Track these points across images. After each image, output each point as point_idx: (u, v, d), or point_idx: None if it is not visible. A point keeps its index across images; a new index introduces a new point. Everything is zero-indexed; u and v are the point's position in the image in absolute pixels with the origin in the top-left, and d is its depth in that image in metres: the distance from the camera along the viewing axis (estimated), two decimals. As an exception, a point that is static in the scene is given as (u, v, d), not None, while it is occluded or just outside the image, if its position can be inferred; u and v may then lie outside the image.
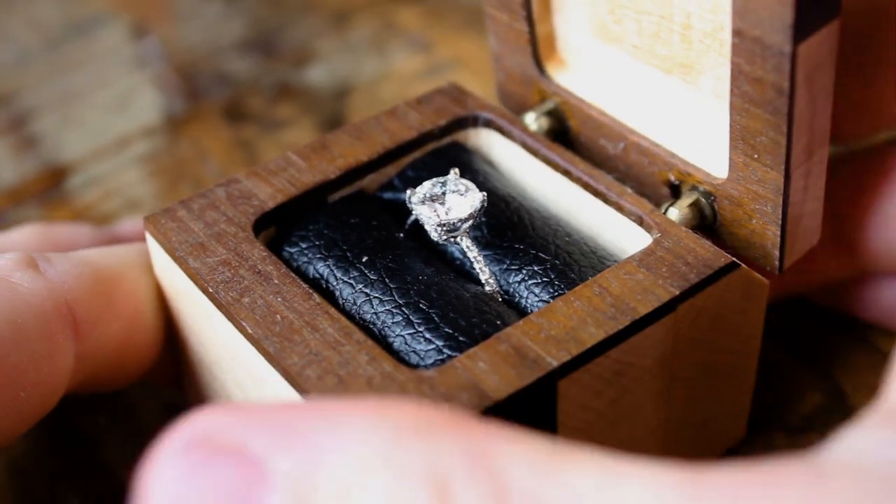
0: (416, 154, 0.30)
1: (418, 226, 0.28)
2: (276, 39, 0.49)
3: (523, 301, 0.27)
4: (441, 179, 0.27)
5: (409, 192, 0.27)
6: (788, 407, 0.32)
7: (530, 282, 0.27)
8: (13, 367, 0.25)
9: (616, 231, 0.28)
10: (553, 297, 0.26)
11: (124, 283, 0.28)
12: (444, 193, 0.27)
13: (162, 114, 0.46)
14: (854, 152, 0.30)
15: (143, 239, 0.29)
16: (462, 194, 0.27)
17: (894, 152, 0.30)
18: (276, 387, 0.25)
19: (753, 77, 0.24)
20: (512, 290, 0.27)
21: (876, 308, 0.32)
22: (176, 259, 0.27)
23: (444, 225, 0.27)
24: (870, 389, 0.32)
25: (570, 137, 0.31)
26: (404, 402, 0.18)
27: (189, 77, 0.47)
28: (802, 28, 0.22)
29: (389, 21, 0.49)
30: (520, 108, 0.32)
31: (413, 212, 0.27)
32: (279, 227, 0.29)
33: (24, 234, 0.32)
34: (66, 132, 0.45)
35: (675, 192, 0.29)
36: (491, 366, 0.23)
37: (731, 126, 0.25)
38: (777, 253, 0.27)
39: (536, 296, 0.27)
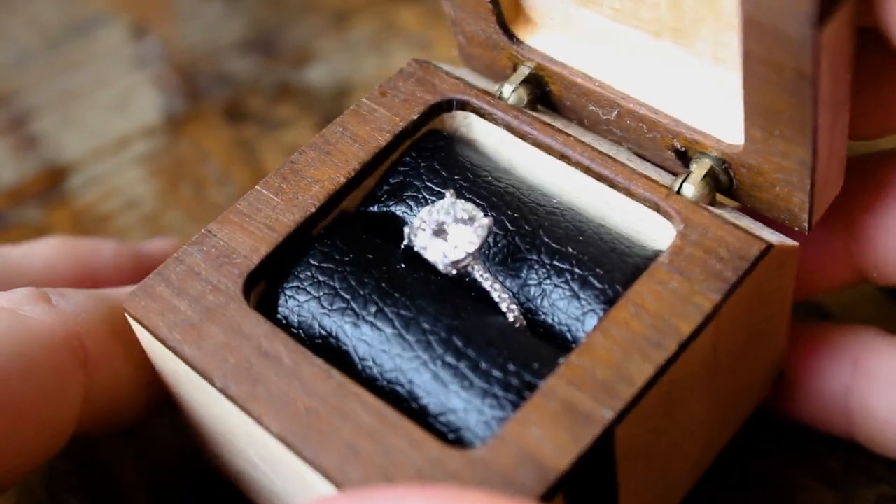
0: (393, 156, 0.28)
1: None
2: (276, 39, 0.49)
3: (549, 319, 0.25)
4: (438, 207, 0.25)
5: (407, 231, 0.25)
6: (784, 423, 0.32)
7: (553, 297, 0.25)
8: (21, 400, 0.24)
9: (628, 217, 0.27)
10: (583, 313, 0.25)
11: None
12: (445, 224, 0.25)
13: (162, 114, 0.46)
14: (864, 160, 0.30)
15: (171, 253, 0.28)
16: (466, 223, 0.25)
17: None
18: (313, 479, 0.23)
19: (770, 62, 0.22)
20: (534, 306, 0.25)
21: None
22: (169, 348, 0.25)
23: (454, 262, 0.25)
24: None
25: (553, 101, 0.29)
26: (473, 494, 0.19)
27: (189, 77, 0.47)
28: (822, 12, 0.21)
29: (389, 21, 0.49)
30: (488, 71, 0.30)
31: (416, 248, 0.25)
32: (268, 281, 0.26)
33: (48, 246, 0.31)
34: (66, 132, 0.45)
35: (683, 157, 0.27)
36: (543, 430, 0.22)
37: (745, 102, 0.24)
38: (805, 216, 0.25)
39: (563, 311, 0.25)
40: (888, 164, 0.29)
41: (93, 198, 0.42)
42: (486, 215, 0.26)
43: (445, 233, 0.25)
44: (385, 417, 0.22)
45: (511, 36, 0.29)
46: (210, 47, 0.49)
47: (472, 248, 0.25)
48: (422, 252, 0.25)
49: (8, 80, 0.48)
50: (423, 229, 0.25)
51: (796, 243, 0.26)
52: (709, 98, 0.26)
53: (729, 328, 0.25)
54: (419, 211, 0.27)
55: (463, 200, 0.26)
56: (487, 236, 0.25)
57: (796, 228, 0.26)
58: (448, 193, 0.26)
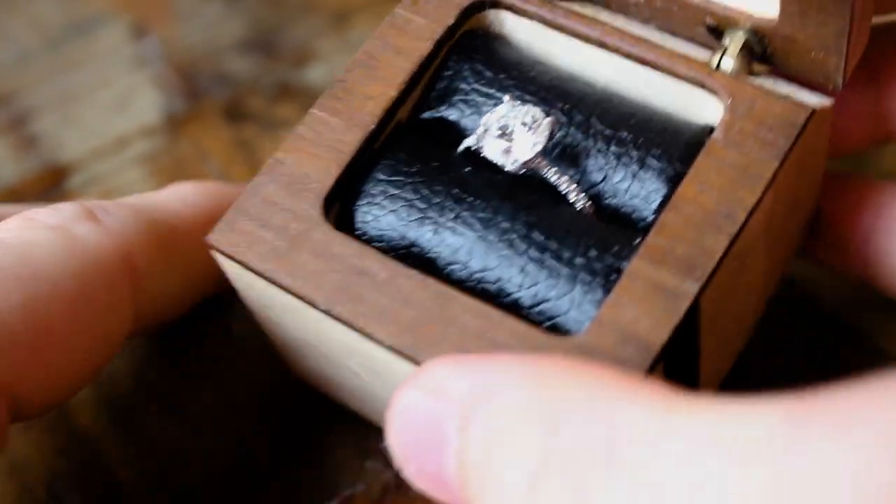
0: (436, 63, 0.28)
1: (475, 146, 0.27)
2: (276, 39, 0.49)
3: (614, 202, 0.26)
4: (501, 113, 0.26)
5: (474, 137, 0.26)
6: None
7: (615, 180, 0.26)
8: (82, 320, 0.25)
9: (672, 97, 0.27)
10: (648, 192, 0.26)
11: (179, 235, 0.28)
12: (509, 128, 0.26)
13: (162, 114, 0.46)
14: (891, 25, 0.31)
15: None
16: (529, 126, 0.26)
17: None
18: None
19: None
20: (598, 192, 0.26)
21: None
22: (265, 278, 0.25)
23: (524, 163, 0.26)
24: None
25: None
26: (564, 360, 0.21)
27: (189, 77, 0.47)
28: None
29: (389, 21, 0.49)
30: None
31: (483, 155, 0.26)
32: (341, 202, 0.27)
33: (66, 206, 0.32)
34: (66, 132, 0.45)
35: (714, 32, 0.27)
36: (637, 310, 0.23)
37: None
38: (840, 75, 0.26)
39: (627, 193, 0.26)
40: None
41: (93, 197, 0.42)
42: (546, 115, 0.27)
43: (511, 136, 0.26)
44: (487, 316, 0.24)
45: None
46: (210, 47, 0.49)
47: (539, 147, 0.26)
48: (490, 156, 0.26)
49: (8, 80, 0.48)
50: (489, 134, 0.26)
51: (831, 101, 0.27)
52: None
53: (782, 192, 0.26)
54: (471, 112, 0.28)
55: (521, 103, 0.27)
56: (551, 135, 0.26)
57: (831, 87, 0.27)
58: (505, 98, 0.27)
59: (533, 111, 0.26)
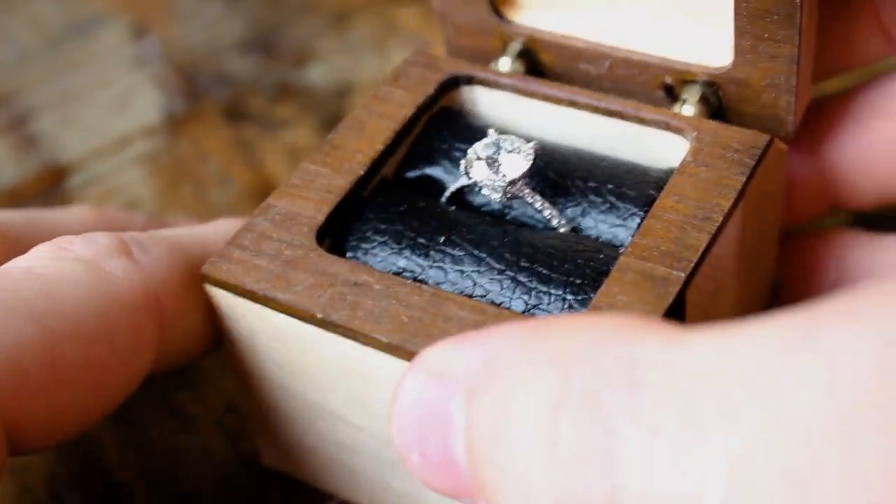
0: (417, 129, 0.30)
1: (459, 193, 0.29)
2: (276, 39, 0.49)
3: (593, 232, 0.27)
4: (487, 142, 0.28)
5: (464, 163, 0.27)
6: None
7: (593, 213, 0.27)
8: (100, 365, 0.25)
9: (643, 144, 0.29)
10: (625, 218, 0.27)
11: None
12: (496, 154, 0.27)
13: (162, 114, 0.46)
14: (830, 98, 0.32)
15: None
16: (511, 151, 0.27)
17: (861, 94, 0.32)
18: None
19: None
20: (577, 224, 0.27)
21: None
22: (260, 299, 0.26)
23: (510, 183, 0.27)
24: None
25: (545, 72, 0.32)
26: (564, 316, 0.21)
27: (189, 77, 0.47)
28: None
29: (389, 21, 0.49)
30: (478, 58, 0.32)
31: (472, 179, 0.27)
32: (332, 239, 0.28)
33: (82, 214, 0.31)
34: (66, 132, 0.45)
35: (671, 93, 0.30)
36: (629, 296, 0.24)
37: (736, 13, 0.27)
38: (791, 118, 0.28)
39: (605, 222, 0.27)
40: (850, 100, 0.32)
41: (93, 198, 0.42)
42: (528, 142, 0.28)
43: (498, 162, 0.27)
44: (484, 311, 0.24)
45: (501, 16, 0.31)
46: (210, 47, 0.49)
47: (525, 168, 0.27)
48: (477, 178, 0.27)
49: (8, 80, 0.48)
50: (478, 160, 0.27)
51: (785, 145, 0.28)
52: (693, 31, 0.29)
53: (749, 224, 0.27)
54: (453, 168, 0.29)
55: (506, 135, 0.28)
56: (536, 159, 0.27)
57: (781, 135, 0.29)
58: (490, 131, 0.28)
59: (515, 139, 0.28)
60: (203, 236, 0.29)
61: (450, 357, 0.21)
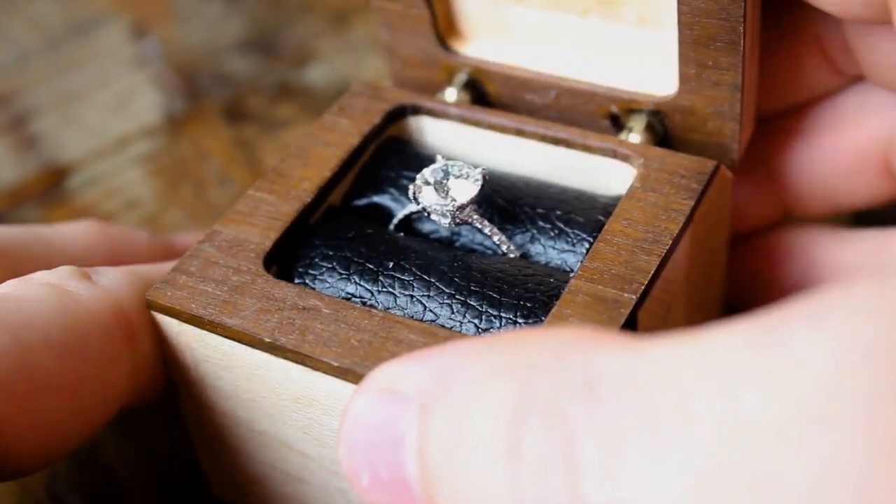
0: (364, 157, 0.30)
1: (406, 220, 0.28)
2: (276, 39, 0.49)
3: (543, 258, 0.27)
4: (435, 167, 0.27)
5: (412, 188, 0.27)
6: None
7: (543, 238, 0.27)
8: (76, 373, 0.25)
9: (590, 172, 0.29)
10: (574, 243, 0.27)
11: None
12: (445, 180, 0.27)
13: (162, 114, 0.46)
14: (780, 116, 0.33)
15: None
16: (459, 176, 0.27)
17: (813, 113, 0.32)
18: None
19: None
20: (527, 250, 0.27)
21: None
22: (206, 324, 0.25)
23: (459, 208, 0.27)
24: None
25: (491, 102, 0.32)
26: (513, 331, 0.20)
27: (189, 77, 0.47)
28: None
29: (389, 21, 0.49)
30: (424, 90, 0.33)
31: (421, 205, 0.27)
32: (279, 265, 0.27)
33: (84, 230, 0.31)
34: (66, 132, 0.45)
35: (616, 122, 0.30)
36: (581, 318, 0.24)
37: (680, 41, 0.27)
38: (735, 146, 0.29)
39: (554, 248, 0.27)
40: (799, 114, 0.32)
41: (93, 198, 0.42)
42: (475, 167, 0.28)
43: (446, 187, 0.27)
44: (435, 334, 0.24)
45: (447, 48, 0.31)
46: (210, 47, 0.49)
47: (474, 192, 0.27)
48: (425, 203, 0.27)
49: (8, 80, 0.48)
50: (426, 185, 0.27)
51: (731, 173, 0.29)
52: (638, 59, 0.29)
53: (697, 249, 0.28)
54: (400, 195, 0.29)
55: (453, 161, 0.28)
56: (484, 184, 0.27)
57: (727, 163, 0.29)
58: (438, 157, 0.28)
59: (463, 164, 0.27)
60: (162, 267, 0.29)
61: (400, 373, 0.20)
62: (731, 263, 0.33)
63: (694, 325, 0.29)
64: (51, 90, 0.47)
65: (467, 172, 0.27)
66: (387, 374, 0.20)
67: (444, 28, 0.31)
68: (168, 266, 0.27)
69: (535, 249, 0.27)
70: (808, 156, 0.32)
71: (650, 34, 0.29)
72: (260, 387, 0.26)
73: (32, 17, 0.51)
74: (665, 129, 0.29)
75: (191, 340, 0.26)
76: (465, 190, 0.27)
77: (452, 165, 0.27)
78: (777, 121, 0.32)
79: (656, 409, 0.16)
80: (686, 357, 0.17)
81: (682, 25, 0.27)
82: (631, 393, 0.17)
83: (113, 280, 0.27)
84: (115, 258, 0.31)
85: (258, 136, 0.44)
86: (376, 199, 0.29)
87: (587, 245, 0.27)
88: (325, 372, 0.24)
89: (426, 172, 0.27)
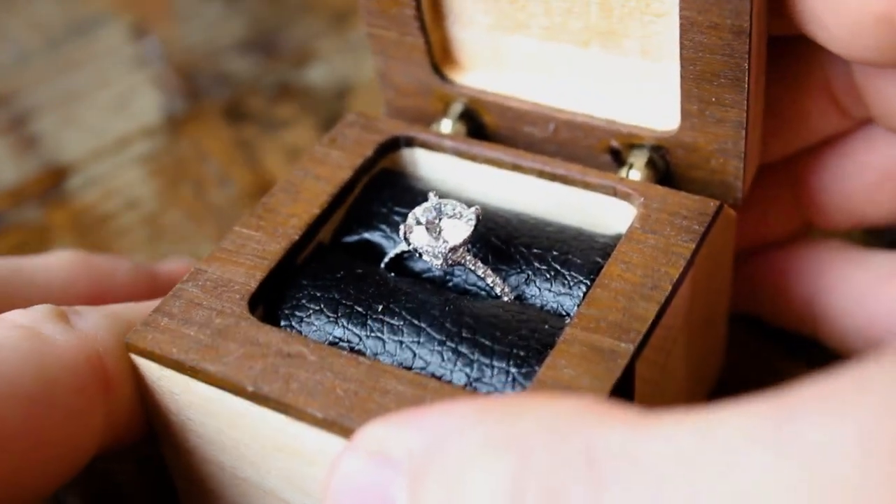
0: (356, 191, 0.29)
1: (399, 258, 0.28)
2: (276, 39, 0.49)
3: (538, 300, 0.26)
4: (427, 206, 0.27)
5: (403, 228, 0.26)
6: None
7: (538, 280, 0.26)
8: (44, 424, 0.24)
9: (589, 210, 0.28)
10: (570, 286, 0.26)
11: None
12: (437, 220, 0.26)
13: (162, 114, 0.46)
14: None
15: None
16: (451, 216, 0.26)
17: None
18: None
19: (708, 25, 0.25)
20: (521, 292, 0.26)
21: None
22: (187, 370, 0.24)
23: (452, 249, 0.26)
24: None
25: (487, 134, 0.31)
26: (506, 396, 0.20)
27: (189, 77, 0.47)
28: None
29: (389, 21, 0.49)
30: (418, 119, 0.32)
31: (412, 245, 0.26)
32: (265, 306, 0.27)
33: (64, 261, 0.31)
34: (66, 132, 0.45)
35: (617, 157, 0.29)
36: (575, 369, 0.23)
37: (682, 77, 0.26)
38: (739, 184, 0.28)
39: (550, 290, 0.26)
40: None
41: (93, 198, 0.42)
42: (469, 206, 0.27)
43: (438, 227, 0.26)
44: (424, 386, 0.23)
45: (443, 77, 0.31)
46: (210, 47, 0.49)
47: (467, 233, 0.26)
48: (417, 245, 0.26)
49: (8, 80, 0.48)
50: (418, 225, 0.26)
51: (734, 213, 0.28)
52: (640, 93, 0.29)
53: (698, 291, 0.27)
54: (392, 232, 0.28)
55: (446, 199, 0.27)
56: (477, 224, 0.26)
57: (730, 202, 0.28)
58: (431, 194, 0.27)
59: (456, 204, 0.27)
60: (145, 308, 0.28)
61: (391, 435, 0.20)
62: (745, 273, 0.32)
63: (696, 374, 0.29)
64: (51, 90, 0.47)
65: (460, 212, 0.26)
66: (377, 435, 0.20)
67: (439, 56, 0.31)
68: (151, 306, 0.27)
69: (531, 291, 0.26)
70: (836, 167, 0.31)
71: (652, 67, 0.28)
72: (243, 434, 0.25)
73: (32, 17, 0.51)
74: (667, 165, 0.28)
75: (172, 385, 0.25)
76: (458, 231, 0.26)
77: (445, 204, 0.26)
78: (802, 133, 0.31)
79: (663, 494, 0.16)
80: (696, 440, 0.16)
81: (685, 60, 0.26)
82: (636, 475, 0.16)
83: (91, 324, 0.26)
84: (97, 289, 0.30)
85: (258, 136, 0.44)
86: (367, 235, 0.28)
87: (584, 288, 0.26)
88: (308, 423, 0.23)
89: (418, 212, 0.26)
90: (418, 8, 0.29)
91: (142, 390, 0.26)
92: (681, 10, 0.25)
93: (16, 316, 0.25)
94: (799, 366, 0.33)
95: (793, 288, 0.32)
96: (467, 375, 0.24)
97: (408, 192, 0.29)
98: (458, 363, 0.24)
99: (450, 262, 0.26)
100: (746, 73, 0.25)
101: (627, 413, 0.18)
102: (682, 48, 0.26)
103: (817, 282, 0.31)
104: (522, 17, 0.29)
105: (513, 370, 0.24)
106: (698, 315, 0.27)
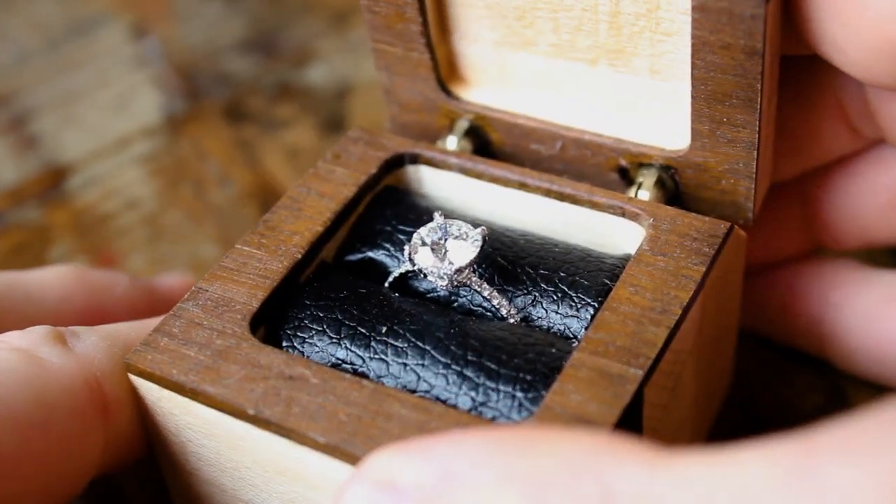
0: (359, 209, 0.29)
1: (403, 278, 0.27)
2: (276, 39, 0.49)
3: (545, 323, 0.26)
4: (433, 226, 0.26)
5: (408, 248, 0.26)
6: (788, 407, 0.32)
7: (545, 302, 0.26)
8: (42, 449, 0.23)
9: (591, 231, 0.28)
10: (578, 308, 0.26)
11: None
12: (442, 240, 0.26)
13: (162, 114, 0.46)
14: None
15: (183, 290, 0.27)
16: (457, 237, 0.26)
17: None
18: None
19: (720, 45, 0.24)
20: (528, 314, 0.26)
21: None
22: (187, 392, 0.24)
23: (457, 271, 0.26)
24: (870, 389, 0.32)
25: (493, 151, 0.31)
26: (520, 428, 0.19)
27: (189, 77, 0.47)
28: None
29: (389, 21, 0.49)
30: (423, 135, 0.31)
31: (417, 266, 0.26)
32: (267, 326, 0.26)
33: (62, 277, 0.30)
34: (66, 132, 0.45)
35: (625, 175, 0.29)
36: (583, 395, 0.23)
37: (693, 97, 0.26)
38: (750, 205, 0.27)
39: (557, 312, 0.26)
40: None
41: (93, 198, 0.42)
42: (475, 227, 0.26)
43: (444, 248, 0.26)
44: (428, 410, 0.23)
45: (448, 93, 0.30)
46: (210, 47, 0.49)
47: (473, 254, 0.26)
48: (422, 266, 0.26)
49: (8, 80, 0.48)
50: (423, 246, 0.26)
51: (744, 233, 0.28)
52: (649, 111, 0.28)
53: (708, 314, 0.26)
54: (396, 251, 0.28)
55: (452, 219, 0.27)
56: (483, 245, 0.26)
57: (741, 222, 0.28)
58: (437, 214, 0.26)
59: (462, 224, 0.26)
60: (147, 328, 0.27)
61: (399, 465, 0.19)
62: (752, 291, 0.32)
63: (705, 397, 0.29)
64: (51, 90, 0.47)
65: (466, 233, 0.26)
66: (384, 464, 0.19)
67: (445, 73, 0.30)
68: (149, 325, 0.26)
69: (537, 313, 0.26)
70: (847, 187, 0.31)
71: (662, 86, 0.28)
72: (244, 457, 0.24)
73: (32, 17, 0.51)
74: (676, 184, 0.28)
75: (172, 407, 0.25)
76: (464, 252, 0.26)
77: (451, 225, 0.26)
78: (813, 151, 0.31)
79: None
80: (713, 482, 0.16)
81: (696, 80, 0.26)
82: None
83: (89, 346, 0.25)
84: (94, 305, 0.30)
85: (258, 136, 0.44)
86: (371, 254, 0.28)
87: (592, 310, 0.25)
88: (311, 447, 0.23)
89: (423, 232, 0.26)
90: (424, 23, 0.29)
91: (141, 411, 0.25)
92: (693, 30, 0.25)
93: (12, 338, 0.25)
94: (805, 368, 0.33)
95: (800, 307, 0.32)
96: (472, 399, 0.24)
97: (412, 210, 0.28)
98: (464, 387, 0.24)
99: (455, 283, 0.26)
100: (759, 94, 0.25)
101: (644, 452, 0.17)
102: (693, 68, 0.25)
103: (825, 301, 0.31)
104: (530, 34, 0.29)
105: (519, 394, 0.24)
106: (707, 335, 0.27)
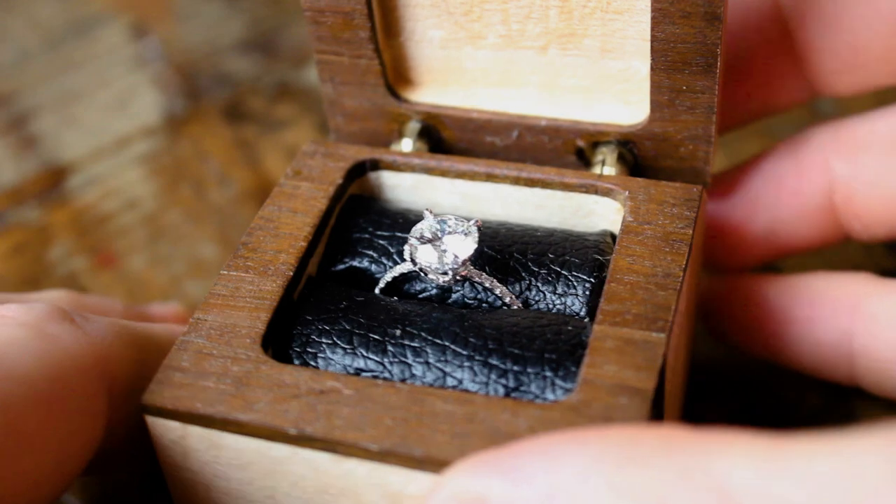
0: (331, 221, 0.29)
1: (393, 282, 0.27)
2: (276, 39, 0.49)
3: (542, 305, 0.26)
4: (427, 224, 0.26)
5: (407, 248, 0.26)
6: (789, 407, 0.32)
7: (539, 284, 0.26)
8: (57, 425, 0.23)
9: (564, 213, 0.28)
10: (574, 285, 0.26)
11: (158, 355, 0.26)
12: (438, 236, 0.26)
13: (162, 114, 0.46)
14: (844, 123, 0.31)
15: (175, 321, 0.27)
16: (453, 231, 0.26)
17: (886, 116, 0.30)
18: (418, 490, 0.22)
19: (681, 14, 0.25)
20: (525, 298, 0.26)
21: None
22: (217, 423, 0.23)
23: (456, 267, 0.26)
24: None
25: (447, 149, 0.31)
26: (614, 430, 0.19)
27: (189, 77, 0.47)
28: None
29: (389, 21, 0.49)
30: (371, 143, 0.31)
31: (418, 265, 0.26)
32: (273, 349, 0.26)
33: (54, 298, 0.30)
34: (66, 132, 0.45)
35: (582, 156, 0.29)
36: (616, 364, 0.23)
37: (653, 69, 0.27)
38: (708, 168, 0.28)
39: (554, 293, 0.26)
40: (865, 129, 0.30)
41: (93, 198, 0.42)
42: (467, 220, 0.26)
43: (442, 243, 0.26)
44: (470, 401, 0.23)
45: (397, 96, 0.30)
46: (210, 47, 0.49)
47: (474, 246, 0.26)
48: (423, 262, 0.26)
49: (8, 80, 0.48)
50: (423, 244, 0.26)
51: (702, 189, 0.28)
52: (602, 91, 0.29)
53: (694, 267, 0.27)
54: (379, 257, 0.28)
55: (444, 215, 0.27)
56: (479, 238, 0.26)
57: (700, 185, 0.28)
58: (426, 212, 0.26)
59: (453, 218, 0.26)
60: (150, 325, 0.27)
61: (488, 480, 0.18)
62: (711, 299, 0.32)
63: (688, 349, 0.29)
64: (51, 90, 0.47)
65: (458, 226, 0.26)
66: (469, 479, 0.19)
67: (392, 77, 0.30)
68: (157, 329, 0.26)
69: (535, 297, 0.26)
70: (878, 171, 0.30)
71: (613, 64, 0.28)
72: (280, 482, 0.24)
73: (32, 17, 0.51)
74: (635, 157, 0.29)
75: (196, 443, 0.24)
76: (465, 244, 0.26)
77: (444, 220, 0.26)
78: (850, 127, 0.30)
79: None
80: (835, 475, 0.15)
81: (656, 52, 0.26)
82: None
83: (98, 328, 0.25)
84: None
85: (258, 136, 0.44)
86: (355, 263, 0.28)
87: (588, 286, 0.26)
88: (360, 458, 0.22)
89: (420, 230, 0.26)
90: (373, 28, 0.29)
91: (158, 452, 0.25)
92: (653, 3, 0.25)
93: (16, 313, 0.24)
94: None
95: (824, 322, 0.31)
96: (504, 386, 0.24)
97: (384, 216, 0.28)
98: (492, 375, 0.24)
99: (458, 277, 0.26)
100: (718, 58, 0.26)
101: (754, 444, 0.17)
102: (653, 40, 0.26)
103: (852, 315, 0.30)
104: (478, 28, 0.29)
105: (549, 374, 0.24)
106: (688, 300, 0.28)
